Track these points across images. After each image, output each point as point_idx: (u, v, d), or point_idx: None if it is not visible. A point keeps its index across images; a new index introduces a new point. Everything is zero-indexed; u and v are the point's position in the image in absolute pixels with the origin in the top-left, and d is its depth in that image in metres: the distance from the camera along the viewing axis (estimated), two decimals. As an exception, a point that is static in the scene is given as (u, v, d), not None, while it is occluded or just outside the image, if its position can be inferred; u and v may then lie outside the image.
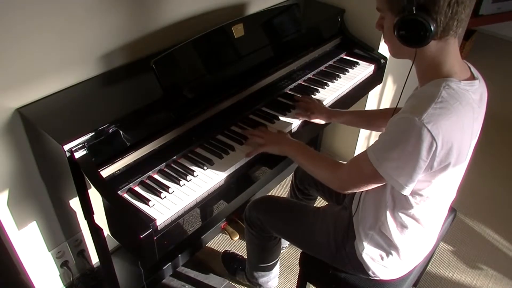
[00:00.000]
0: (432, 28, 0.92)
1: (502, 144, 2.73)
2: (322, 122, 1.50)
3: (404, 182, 0.98)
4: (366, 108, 2.10)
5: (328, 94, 1.62)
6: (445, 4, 0.90)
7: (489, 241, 2.08)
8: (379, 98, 2.16)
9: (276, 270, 1.70)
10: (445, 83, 0.96)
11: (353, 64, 1.80)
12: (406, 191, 1.00)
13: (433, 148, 0.93)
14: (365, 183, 1.07)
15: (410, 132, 0.93)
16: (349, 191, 1.12)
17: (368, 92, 1.97)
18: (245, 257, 1.77)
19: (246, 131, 1.37)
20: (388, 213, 1.13)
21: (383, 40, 1.07)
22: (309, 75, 1.72)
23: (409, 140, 0.93)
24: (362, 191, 1.20)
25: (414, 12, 0.92)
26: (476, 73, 1.05)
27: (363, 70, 1.78)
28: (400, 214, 1.12)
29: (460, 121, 0.95)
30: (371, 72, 1.80)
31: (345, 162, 1.14)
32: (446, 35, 0.95)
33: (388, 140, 0.99)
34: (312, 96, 1.59)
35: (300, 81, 1.67)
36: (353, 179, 1.09)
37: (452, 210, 1.46)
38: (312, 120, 1.49)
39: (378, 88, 2.00)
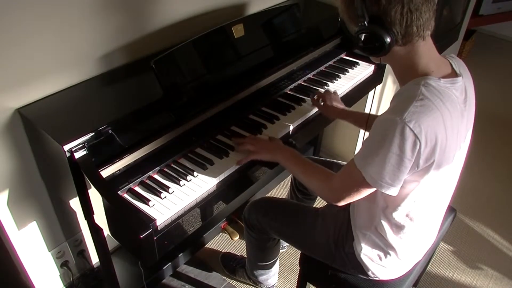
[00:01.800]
0: (387, 39, 0.93)
1: (502, 144, 2.73)
2: (334, 114, 1.49)
3: (390, 182, 0.97)
4: (366, 109, 2.10)
5: (328, 94, 1.61)
6: (397, 14, 0.91)
7: (489, 241, 2.08)
8: (379, 98, 2.16)
9: (276, 268, 1.71)
10: (424, 81, 0.96)
11: (353, 64, 1.80)
12: (393, 192, 0.99)
13: (417, 147, 0.93)
14: (357, 191, 1.04)
15: (393, 133, 0.93)
16: (343, 202, 1.08)
17: (368, 92, 1.97)
18: (244, 256, 1.77)
19: (236, 139, 1.32)
20: (381, 214, 1.13)
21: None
22: (309, 75, 1.72)
23: (393, 140, 0.93)
24: None
25: (366, 25, 0.94)
26: (459, 70, 1.04)
27: (363, 70, 1.78)
28: (394, 215, 1.11)
29: (443, 117, 0.95)
30: (371, 72, 1.80)
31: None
32: (410, 41, 0.96)
33: (372, 143, 0.99)
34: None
35: (300, 81, 1.67)
36: (344, 188, 1.07)
37: (452, 210, 1.46)
38: (327, 111, 1.48)
39: (378, 88, 2.00)
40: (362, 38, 0.97)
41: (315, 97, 1.52)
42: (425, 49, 0.99)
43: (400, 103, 0.96)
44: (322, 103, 1.50)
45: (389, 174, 0.97)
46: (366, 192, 1.05)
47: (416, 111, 0.92)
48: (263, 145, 1.28)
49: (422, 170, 0.99)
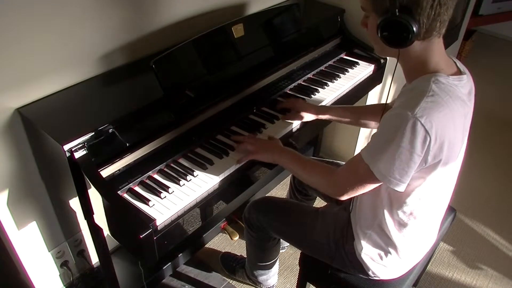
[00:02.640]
0: (414, 29, 0.93)
1: (502, 144, 2.73)
2: (312, 117, 1.46)
3: (398, 178, 0.97)
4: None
5: (328, 94, 1.62)
6: (427, 6, 0.91)
7: (489, 241, 2.08)
8: (379, 98, 2.16)
9: (276, 268, 1.71)
10: (434, 78, 0.97)
11: (353, 64, 1.80)
12: (401, 188, 0.99)
13: (427, 142, 0.93)
14: (361, 185, 1.05)
15: (404, 127, 0.93)
16: (346, 196, 1.09)
17: (368, 92, 1.97)
18: (244, 256, 1.77)
19: (235, 137, 1.32)
20: (385, 212, 1.13)
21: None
22: (309, 75, 1.72)
23: (403, 135, 0.93)
24: None
25: (397, 14, 0.93)
26: (462, 68, 1.06)
27: (363, 70, 1.78)
28: (398, 212, 1.12)
29: (452, 115, 0.96)
30: (371, 72, 1.80)
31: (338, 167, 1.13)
32: (429, 36, 0.96)
33: (382, 138, 0.99)
34: (312, 96, 1.60)
35: (300, 81, 1.68)
36: (349, 182, 1.07)
37: (452, 210, 1.46)
38: (303, 118, 1.45)
39: (378, 88, 2.00)
40: (389, 27, 0.95)
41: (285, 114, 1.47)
42: (438, 47, 1.00)
43: (411, 99, 0.96)
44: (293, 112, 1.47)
45: (398, 170, 0.96)
46: (370, 187, 1.05)
47: (427, 107, 0.92)
48: (263, 145, 1.28)
49: (430, 167, 0.99)
